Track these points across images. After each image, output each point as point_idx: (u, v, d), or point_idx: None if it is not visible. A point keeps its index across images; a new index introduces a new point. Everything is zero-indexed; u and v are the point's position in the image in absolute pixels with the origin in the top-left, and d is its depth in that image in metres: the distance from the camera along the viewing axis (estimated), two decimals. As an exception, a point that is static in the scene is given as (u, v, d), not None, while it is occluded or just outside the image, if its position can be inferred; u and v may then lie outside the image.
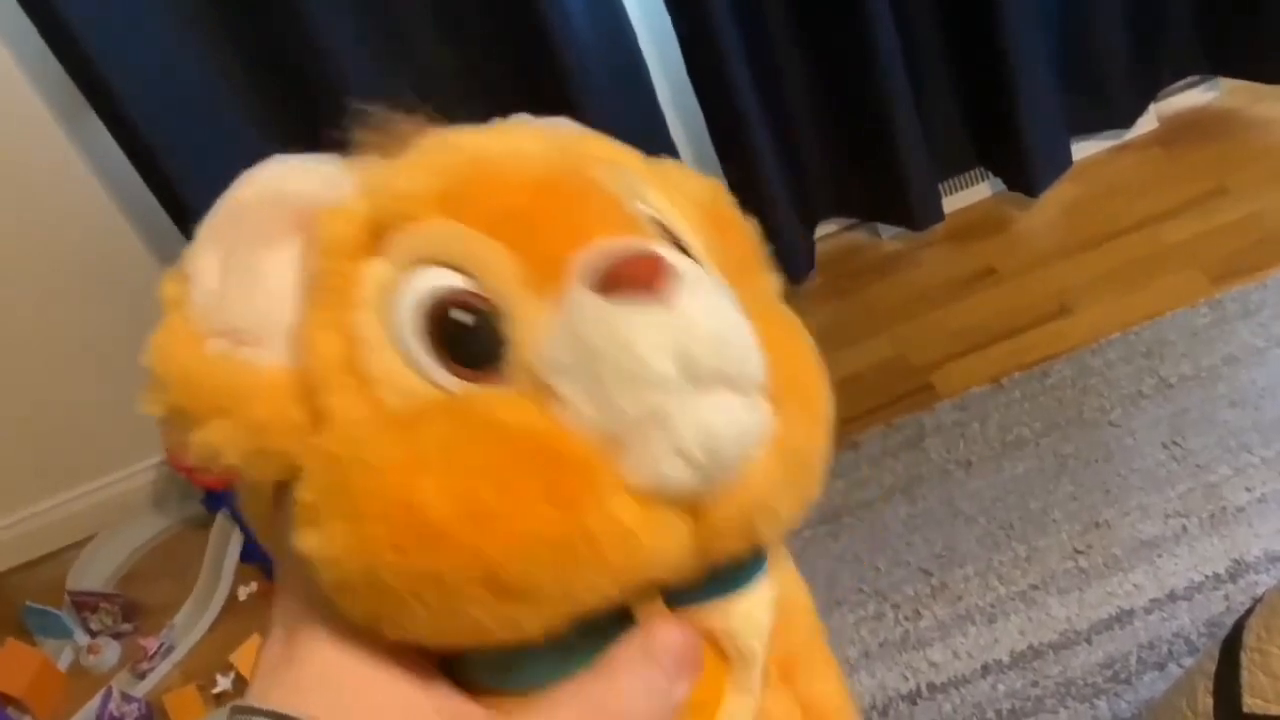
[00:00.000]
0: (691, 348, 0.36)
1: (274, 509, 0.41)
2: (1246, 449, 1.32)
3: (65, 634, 1.76)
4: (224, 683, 1.59)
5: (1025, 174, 1.77)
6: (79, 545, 1.94)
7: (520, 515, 0.35)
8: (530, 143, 0.44)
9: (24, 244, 1.70)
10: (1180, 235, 1.66)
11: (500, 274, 0.39)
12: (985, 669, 1.23)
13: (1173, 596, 1.22)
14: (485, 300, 0.39)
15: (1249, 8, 1.69)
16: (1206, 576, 1.22)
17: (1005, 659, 1.23)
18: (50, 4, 1.38)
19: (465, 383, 0.38)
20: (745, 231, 0.49)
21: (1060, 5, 1.70)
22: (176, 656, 1.68)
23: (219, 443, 0.40)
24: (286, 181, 0.44)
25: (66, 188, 1.66)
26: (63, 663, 1.73)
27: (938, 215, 1.81)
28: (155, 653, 1.67)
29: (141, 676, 1.65)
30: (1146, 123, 1.86)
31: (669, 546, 0.37)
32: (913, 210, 1.78)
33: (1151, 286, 1.60)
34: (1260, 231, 1.61)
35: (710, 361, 0.36)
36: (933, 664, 1.26)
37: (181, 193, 1.53)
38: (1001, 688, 1.21)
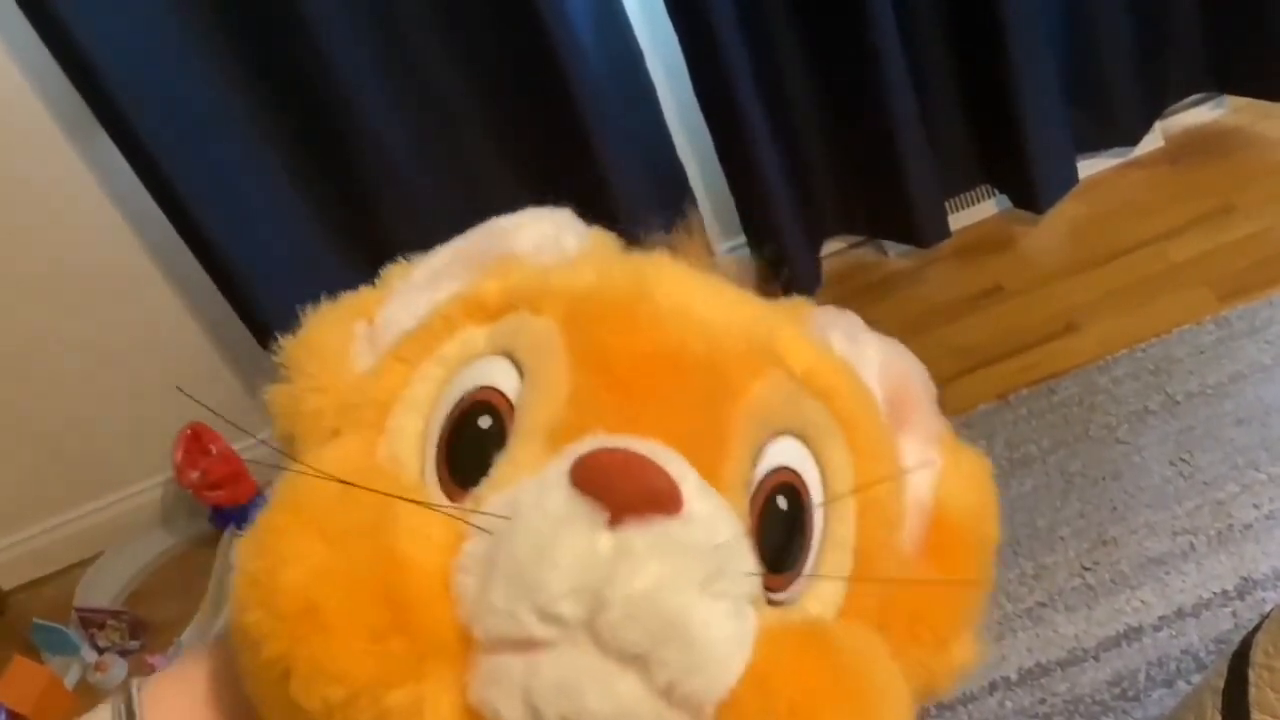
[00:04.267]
0: (614, 601, 0.30)
1: None
2: (1254, 466, 1.32)
3: (72, 651, 1.76)
4: (230, 700, 1.59)
5: (1031, 191, 1.78)
6: (86, 562, 1.94)
7: (340, 637, 0.32)
8: (721, 312, 0.39)
9: (34, 261, 1.71)
10: (1187, 253, 1.66)
11: (542, 407, 0.36)
12: (993, 686, 1.23)
13: (1181, 614, 1.22)
14: (504, 419, 0.36)
15: (1255, 25, 1.69)
16: (1215, 594, 1.22)
17: (1013, 676, 1.23)
18: (62, 24, 1.39)
19: (440, 483, 0.36)
20: (970, 569, 0.42)
21: (1066, 23, 1.70)
22: (183, 673, 1.67)
23: (275, 400, 0.41)
24: (520, 232, 0.43)
25: (77, 205, 1.67)
26: (70, 680, 1.73)
27: (944, 232, 1.81)
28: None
29: (148, 693, 1.65)
30: (1152, 140, 1.86)
31: None
32: (919, 227, 1.78)
33: (1158, 304, 1.60)
34: (1267, 249, 1.61)
35: (626, 631, 0.30)
36: (940, 681, 1.25)
37: (191, 210, 1.54)
38: (1009, 705, 1.20)
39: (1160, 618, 1.22)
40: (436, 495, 0.36)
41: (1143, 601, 1.24)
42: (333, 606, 0.32)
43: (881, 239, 1.89)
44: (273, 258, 1.61)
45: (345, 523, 0.34)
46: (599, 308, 0.38)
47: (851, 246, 1.94)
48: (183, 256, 1.61)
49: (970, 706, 1.22)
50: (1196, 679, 1.14)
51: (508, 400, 0.36)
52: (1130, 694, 1.17)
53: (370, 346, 0.41)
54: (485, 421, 0.36)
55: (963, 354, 1.65)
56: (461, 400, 0.37)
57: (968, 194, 1.87)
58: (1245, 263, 1.61)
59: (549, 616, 0.30)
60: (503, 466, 0.35)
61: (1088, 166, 1.85)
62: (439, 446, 0.37)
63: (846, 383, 0.41)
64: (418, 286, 0.42)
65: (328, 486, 0.35)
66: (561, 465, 0.33)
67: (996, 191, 1.87)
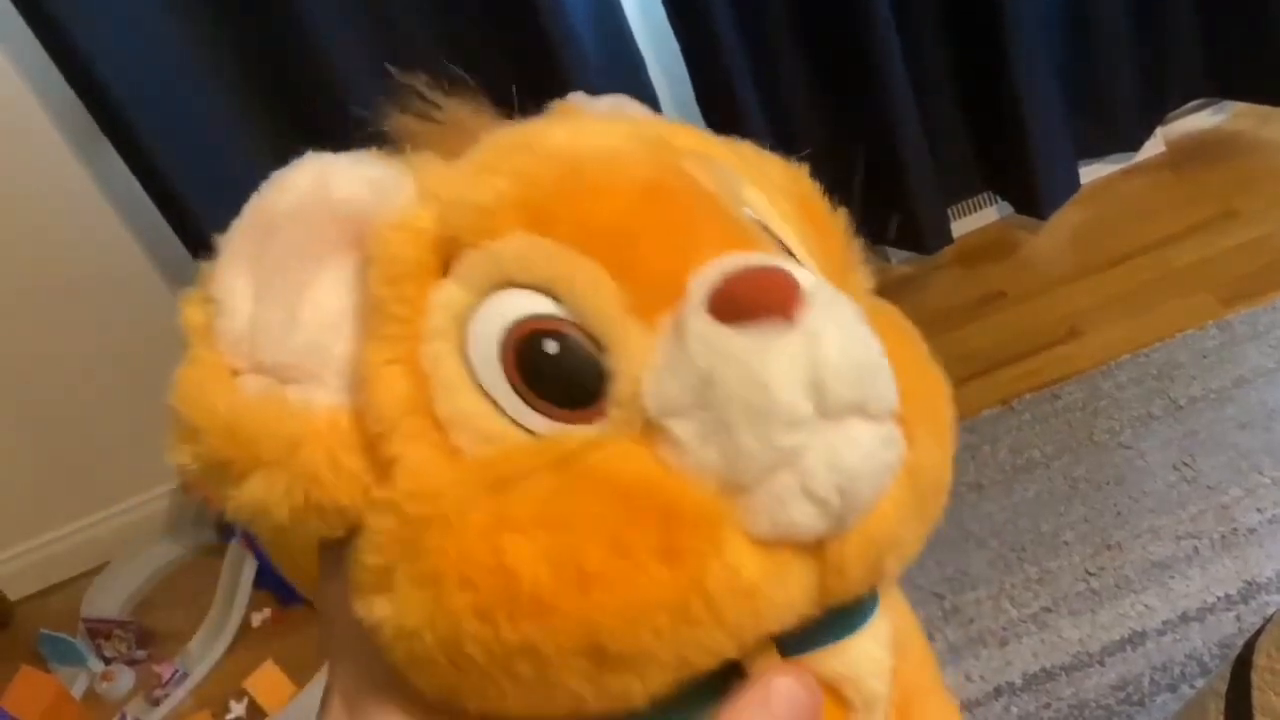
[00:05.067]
0: (826, 378, 0.31)
1: (324, 568, 0.36)
2: (1257, 470, 1.32)
3: (80, 661, 1.77)
4: (237, 709, 1.59)
5: (1033, 197, 1.78)
6: (93, 572, 1.95)
7: (633, 579, 0.30)
8: (620, 139, 0.38)
9: (38, 271, 1.72)
10: (1189, 258, 1.66)
11: (600, 298, 0.33)
12: (998, 691, 1.23)
13: (1185, 618, 1.22)
14: (581, 329, 0.33)
15: (1255, 30, 1.70)
16: (1218, 598, 1.22)
17: (1018, 681, 1.23)
18: (64, 32, 1.40)
19: (557, 424, 0.33)
20: (836, 222, 0.44)
21: (1066, 29, 1.71)
22: (190, 683, 1.68)
23: (265, 498, 0.34)
24: (331, 186, 0.37)
25: (81, 215, 1.67)
26: (77, 690, 1.74)
27: (947, 239, 1.81)
28: (169, 680, 1.67)
29: (155, 703, 1.66)
30: (1154, 146, 1.87)
31: (793, 596, 0.32)
32: (922, 234, 1.79)
33: (1161, 309, 1.60)
34: (1269, 254, 1.61)
35: (846, 392, 0.31)
36: (945, 687, 1.26)
37: (195, 218, 1.54)
38: (1014, 710, 1.20)
39: (1164, 622, 1.22)
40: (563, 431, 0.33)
41: (1147, 606, 1.24)
42: (604, 563, 0.30)
43: (884, 246, 1.90)
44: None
45: (538, 503, 0.32)
46: (548, 198, 0.35)
47: (854, 253, 1.94)
48: (188, 265, 1.61)
49: (975, 712, 1.22)
50: (1200, 683, 1.14)
51: (552, 316, 0.33)
52: (1135, 698, 1.17)
53: (293, 388, 0.36)
54: (551, 346, 0.33)
55: (966, 360, 1.65)
56: (500, 342, 0.33)
57: (970, 200, 1.88)
58: (1247, 267, 1.61)
59: (795, 424, 0.30)
60: (621, 360, 0.33)
61: (1089, 172, 1.85)
62: (519, 391, 0.33)
63: (696, 135, 0.43)
64: (279, 308, 0.36)
65: (475, 499, 0.32)
66: (697, 322, 0.31)
67: (998, 198, 1.88)
